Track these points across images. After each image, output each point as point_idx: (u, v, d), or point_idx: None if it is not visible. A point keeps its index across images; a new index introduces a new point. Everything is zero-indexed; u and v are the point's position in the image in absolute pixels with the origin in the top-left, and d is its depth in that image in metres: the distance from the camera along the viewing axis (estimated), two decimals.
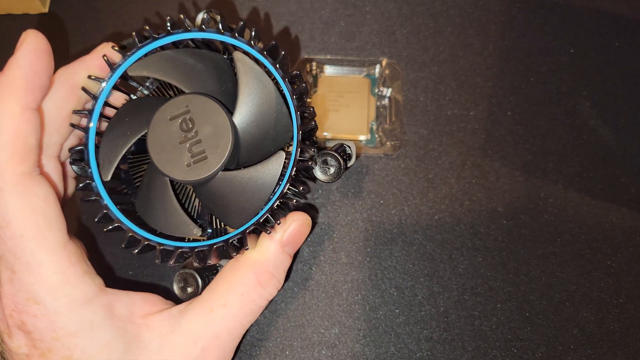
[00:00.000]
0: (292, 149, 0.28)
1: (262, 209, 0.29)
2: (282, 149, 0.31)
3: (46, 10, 0.44)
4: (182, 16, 0.28)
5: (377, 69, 0.41)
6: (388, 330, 0.36)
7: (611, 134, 0.40)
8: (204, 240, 0.29)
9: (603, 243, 0.38)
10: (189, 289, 0.30)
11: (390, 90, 0.41)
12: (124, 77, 0.29)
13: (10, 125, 0.25)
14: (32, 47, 0.26)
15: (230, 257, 0.30)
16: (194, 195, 0.32)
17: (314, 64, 0.41)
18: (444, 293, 0.37)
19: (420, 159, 0.40)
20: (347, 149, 0.32)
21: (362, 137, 0.40)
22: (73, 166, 0.29)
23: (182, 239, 0.29)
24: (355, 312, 0.36)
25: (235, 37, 0.28)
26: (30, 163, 0.26)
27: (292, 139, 0.29)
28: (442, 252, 0.37)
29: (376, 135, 0.40)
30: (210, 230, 0.31)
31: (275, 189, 0.28)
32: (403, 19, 0.43)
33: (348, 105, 0.40)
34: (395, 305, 0.36)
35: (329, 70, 0.42)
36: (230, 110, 0.27)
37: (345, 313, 0.36)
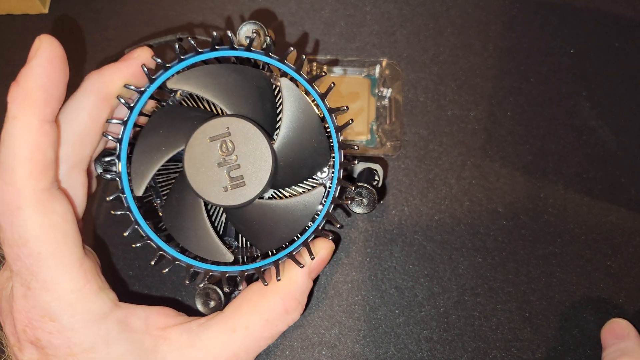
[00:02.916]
0: (332, 185, 0.28)
1: (294, 240, 0.28)
2: (316, 176, 0.30)
3: (46, 10, 0.44)
4: (229, 32, 0.27)
5: (377, 69, 0.41)
6: (388, 330, 0.36)
7: (611, 135, 0.40)
8: (234, 265, 0.28)
9: (603, 243, 0.38)
10: (212, 303, 0.30)
11: (390, 90, 0.41)
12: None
13: (28, 140, 0.24)
14: (48, 54, 0.25)
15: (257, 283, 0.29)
16: (222, 211, 0.31)
17: (314, 64, 0.41)
18: (443, 293, 0.37)
19: (420, 159, 0.40)
20: (375, 174, 0.32)
21: (362, 138, 0.40)
22: (107, 175, 0.28)
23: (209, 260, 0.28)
24: (355, 312, 0.36)
25: (283, 63, 0.28)
26: (50, 178, 0.25)
27: (325, 167, 0.29)
28: (442, 252, 0.37)
29: (376, 136, 0.40)
30: (236, 244, 0.31)
31: (310, 222, 0.28)
32: (403, 20, 0.43)
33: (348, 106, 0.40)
34: (395, 306, 0.36)
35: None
36: (270, 135, 0.27)
37: (345, 313, 0.36)
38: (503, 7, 0.43)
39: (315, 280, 0.37)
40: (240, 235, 0.31)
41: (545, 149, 0.40)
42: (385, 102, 0.41)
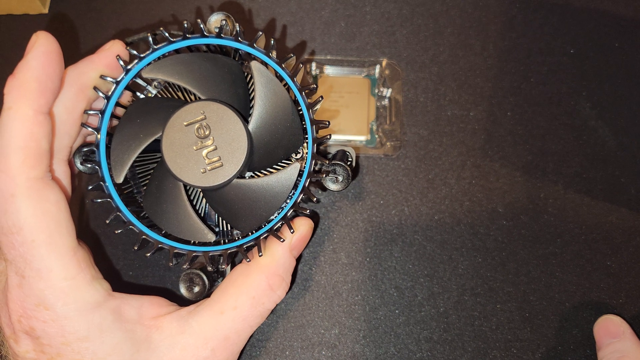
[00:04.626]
0: (307, 160, 0.29)
1: (273, 217, 0.29)
2: (291, 157, 0.31)
3: (46, 10, 0.44)
4: (199, 21, 0.28)
5: (377, 69, 0.41)
6: (388, 330, 0.36)
7: (611, 135, 0.40)
8: (216, 244, 0.29)
9: (603, 243, 0.38)
10: (196, 289, 0.30)
11: (390, 90, 0.41)
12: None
13: (23, 129, 0.24)
14: (44, 49, 0.26)
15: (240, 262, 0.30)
16: (201, 195, 0.32)
17: (314, 64, 0.41)
18: (443, 293, 0.37)
19: (420, 159, 0.40)
20: (349, 155, 0.33)
21: (362, 138, 0.40)
22: (81, 166, 0.29)
23: (190, 242, 0.29)
24: (355, 312, 0.36)
25: (253, 47, 0.28)
26: (43, 167, 0.25)
27: (301, 147, 0.30)
28: (442, 252, 0.37)
29: (376, 136, 0.40)
30: (218, 229, 0.31)
31: (288, 198, 0.28)
32: (403, 20, 0.43)
33: (348, 106, 0.40)
34: (395, 306, 0.36)
35: (329, 70, 0.42)
36: (244, 117, 0.28)
37: (345, 314, 0.36)
38: (503, 7, 0.43)
39: (316, 280, 0.37)
40: (221, 219, 0.31)
41: (545, 149, 0.40)
42: (385, 102, 0.41)
